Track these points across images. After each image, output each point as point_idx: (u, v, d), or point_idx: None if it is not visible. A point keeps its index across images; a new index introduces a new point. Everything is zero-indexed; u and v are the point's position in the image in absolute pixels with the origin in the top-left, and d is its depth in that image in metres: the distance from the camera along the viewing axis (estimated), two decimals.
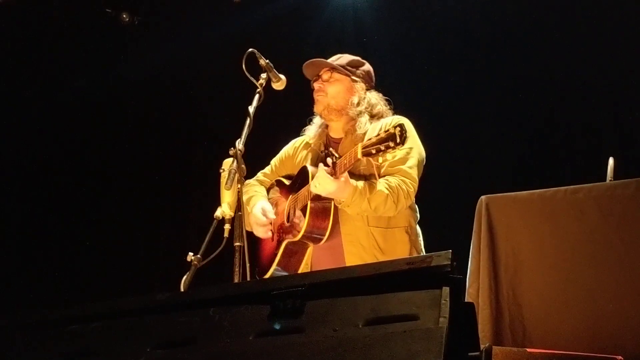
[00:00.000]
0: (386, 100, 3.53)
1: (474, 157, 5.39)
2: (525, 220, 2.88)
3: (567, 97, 5.23)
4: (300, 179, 3.48)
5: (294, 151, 3.68)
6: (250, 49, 3.22)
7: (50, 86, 6.16)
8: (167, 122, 6.33)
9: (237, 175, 2.90)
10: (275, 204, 3.60)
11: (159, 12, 6.31)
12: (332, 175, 3.10)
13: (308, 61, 3.50)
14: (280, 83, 3.32)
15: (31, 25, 6.05)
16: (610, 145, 4.93)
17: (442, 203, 5.12)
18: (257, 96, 3.19)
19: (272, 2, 5.94)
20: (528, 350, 2.33)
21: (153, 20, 6.33)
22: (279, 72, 3.31)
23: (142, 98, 6.26)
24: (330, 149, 3.35)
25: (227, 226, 2.88)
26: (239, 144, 2.99)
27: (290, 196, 3.52)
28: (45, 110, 6.11)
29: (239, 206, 2.90)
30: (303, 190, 3.39)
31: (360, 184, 3.22)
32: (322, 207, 3.32)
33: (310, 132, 3.62)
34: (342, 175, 3.12)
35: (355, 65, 3.52)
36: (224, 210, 2.87)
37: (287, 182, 3.64)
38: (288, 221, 3.46)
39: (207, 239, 2.89)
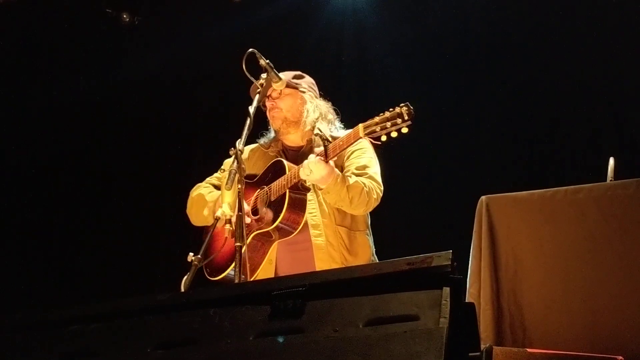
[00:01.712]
0: (334, 109, 3.60)
1: (474, 157, 5.38)
2: (525, 221, 2.88)
3: (567, 97, 5.22)
4: (272, 172, 3.48)
5: (250, 154, 3.67)
6: (250, 49, 3.22)
7: (50, 86, 6.16)
8: (167, 122, 6.32)
9: (237, 175, 2.90)
10: None
11: (159, 12, 6.31)
12: (324, 159, 3.16)
13: (253, 84, 3.37)
14: (280, 83, 3.33)
15: (31, 26, 6.05)
16: (610, 145, 4.93)
17: (442, 203, 5.13)
18: (257, 96, 3.20)
19: (272, 2, 5.94)
20: (528, 350, 2.33)
21: (153, 20, 6.33)
22: (279, 72, 3.32)
23: (142, 98, 6.26)
24: (322, 132, 3.37)
25: (227, 226, 2.87)
26: (239, 144, 2.98)
27: (258, 190, 3.51)
28: (45, 110, 6.11)
29: (239, 206, 2.90)
30: (278, 182, 3.39)
31: (340, 173, 3.29)
32: (299, 199, 3.36)
33: (264, 140, 3.66)
34: (330, 159, 3.20)
35: (298, 77, 3.61)
36: (225, 210, 2.87)
37: (249, 180, 3.62)
38: (255, 215, 3.45)
39: (207, 239, 2.89)
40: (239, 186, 2.90)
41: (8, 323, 2.33)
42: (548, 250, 2.81)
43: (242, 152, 2.97)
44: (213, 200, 3.49)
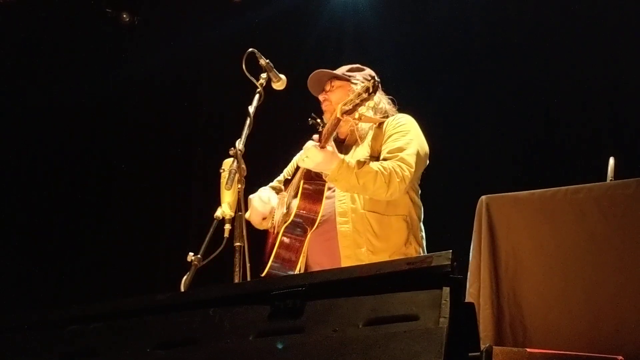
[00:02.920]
0: (390, 99, 3.56)
1: (474, 157, 5.39)
2: (525, 220, 2.88)
3: (567, 97, 5.23)
4: (298, 168, 3.52)
5: None
6: (250, 49, 3.23)
7: (50, 86, 6.16)
8: (167, 122, 6.33)
9: (237, 175, 2.90)
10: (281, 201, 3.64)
11: (159, 12, 6.32)
12: (318, 144, 3.17)
13: (310, 76, 3.55)
14: (280, 83, 3.33)
15: (31, 26, 6.06)
16: (610, 145, 4.93)
17: (442, 203, 5.12)
18: (257, 96, 3.21)
19: (272, 2, 5.95)
20: (528, 350, 2.33)
21: (153, 20, 6.33)
22: (279, 72, 3.32)
23: (142, 98, 6.27)
24: (317, 119, 3.37)
25: (227, 226, 2.88)
26: (239, 144, 2.99)
27: (289, 186, 3.55)
28: (45, 110, 6.11)
29: (239, 206, 2.90)
30: (297, 175, 3.43)
31: (350, 159, 3.26)
32: (315, 189, 3.35)
33: None
34: (328, 145, 3.19)
35: (354, 70, 3.59)
36: (224, 210, 2.87)
37: (290, 177, 3.67)
38: (287, 209, 3.48)
39: (207, 239, 2.89)
40: (239, 186, 2.90)
41: (8, 323, 2.33)
42: (548, 250, 2.80)
43: (242, 152, 2.97)
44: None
